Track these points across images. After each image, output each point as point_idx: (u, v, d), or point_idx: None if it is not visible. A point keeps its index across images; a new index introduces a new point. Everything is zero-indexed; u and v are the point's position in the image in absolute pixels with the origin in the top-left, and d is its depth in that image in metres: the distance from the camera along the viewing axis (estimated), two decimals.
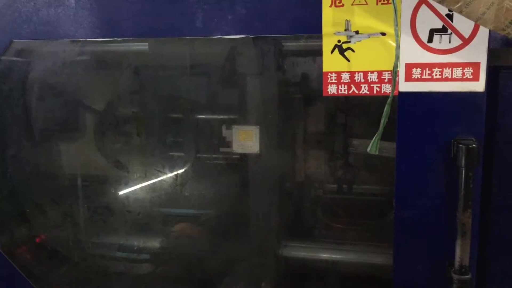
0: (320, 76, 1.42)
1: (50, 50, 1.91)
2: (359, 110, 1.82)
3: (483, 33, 1.27)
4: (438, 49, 1.31)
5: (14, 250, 1.96)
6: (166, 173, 1.97)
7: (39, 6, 1.62)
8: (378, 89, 1.38)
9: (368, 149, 1.31)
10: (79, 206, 2.06)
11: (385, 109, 1.27)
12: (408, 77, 1.34)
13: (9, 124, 1.96)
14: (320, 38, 1.39)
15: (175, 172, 1.97)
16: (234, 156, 1.89)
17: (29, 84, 1.96)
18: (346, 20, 1.36)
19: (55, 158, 2.08)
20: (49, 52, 1.92)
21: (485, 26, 1.12)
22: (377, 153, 1.30)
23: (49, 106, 2.02)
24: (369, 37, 1.36)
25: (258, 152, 1.80)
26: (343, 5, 1.36)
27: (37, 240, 2.10)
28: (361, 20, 1.35)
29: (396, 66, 1.28)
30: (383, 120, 1.28)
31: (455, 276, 1.34)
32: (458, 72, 1.31)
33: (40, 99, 1.99)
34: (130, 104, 2.02)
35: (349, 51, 1.38)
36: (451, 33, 1.29)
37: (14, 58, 1.87)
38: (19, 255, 1.98)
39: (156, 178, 1.98)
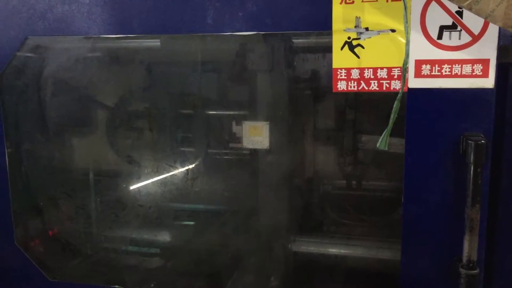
0: (330, 72, 1.43)
1: (64, 46, 1.93)
2: (368, 106, 1.83)
3: (493, 30, 1.28)
4: (448, 46, 1.32)
5: (28, 243, 2.00)
6: (177, 168, 1.99)
7: (54, 3, 1.64)
8: (388, 86, 1.39)
9: (378, 145, 1.33)
10: (92, 200, 2.09)
11: (394, 105, 1.28)
12: (418, 74, 1.35)
13: (23, 119, 1.99)
14: (330, 34, 1.40)
15: (186, 167, 2.00)
16: (244, 152, 1.90)
17: (43, 80, 2.00)
18: (356, 17, 1.37)
19: (68, 152, 2.12)
20: (63, 48, 1.95)
21: (494, 23, 1.13)
22: (386, 148, 1.32)
23: (62, 101, 2.05)
24: (378, 33, 1.37)
25: (268, 147, 1.82)
26: (353, 2, 1.37)
27: (50, 233, 2.13)
28: (371, 16, 1.36)
29: (406, 62, 1.29)
30: (392, 116, 1.29)
31: (463, 271, 1.35)
32: (467, 68, 1.32)
33: (54, 94, 2.03)
34: (142, 100, 2.05)
35: (359, 47, 1.39)
36: (461, 30, 1.30)
37: (29, 54, 1.90)
38: (33, 247, 2.02)
39: (167, 172, 2.00)
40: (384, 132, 1.31)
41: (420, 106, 1.37)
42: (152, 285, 1.96)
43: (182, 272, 2.07)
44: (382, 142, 1.32)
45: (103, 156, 2.12)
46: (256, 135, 1.81)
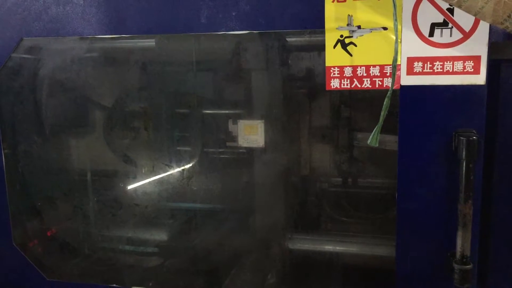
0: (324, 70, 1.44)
1: (59, 47, 1.94)
2: (364, 104, 1.83)
3: (484, 27, 1.29)
4: (439, 43, 1.33)
5: (26, 243, 2.01)
6: (172, 167, 2.00)
7: (48, 4, 1.65)
8: (380, 83, 1.40)
9: (368, 142, 1.33)
10: (89, 200, 2.10)
11: (384, 103, 1.29)
12: (410, 71, 1.36)
13: (20, 120, 2.00)
14: (323, 33, 1.41)
15: (182, 167, 2.00)
16: (240, 150, 1.91)
17: (39, 81, 2.00)
18: (348, 15, 1.38)
19: (65, 153, 2.12)
20: (58, 49, 1.95)
21: (483, 20, 1.14)
22: (377, 145, 1.32)
23: (58, 102, 2.06)
24: (371, 31, 1.38)
25: (263, 146, 1.82)
26: (345, 0, 1.38)
27: (49, 233, 2.14)
28: (363, 15, 1.37)
29: (395, 60, 1.30)
30: (382, 113, 1.30)
31: (456, 266, 1.36)
32: (459, 65, 1.33)
33: (50, 95, 2.03)
34: (137, 100, 2.05)
35: (352, 45, 1.40)
36: (452, 27, 1.31)
37: (24, 55, 1.91)
38: (31, 247, 2.03)
39: (163, 172, 2.01)
40: (374, 129, 1.32)
41: (412, 103, 1.38)
42: (150, 284, 1.97)
43: (178, 270, 2.07)
44: (373, 139, 1.33)
45: (100, 156, 2.13)
46: (251, 133, 1.82)
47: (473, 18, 1.27)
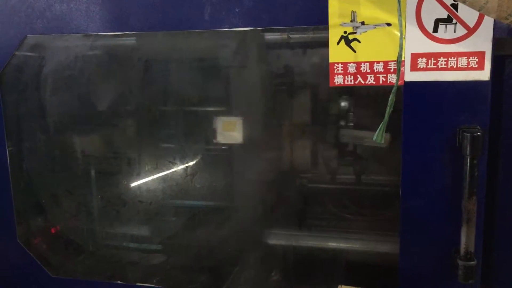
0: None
1: (63, 44, 1.94)
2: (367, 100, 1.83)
3: (488, 22, 1.28)
4: (443, 39, 1.33)
5: (31, 240, 2.02)
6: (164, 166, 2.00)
7: (52, 1, 1.66)
8: (384, 79, 1.40)
9: (374, 138, 1.33)
10: (93, 197, 2.11)
11: (389, 99, 1.29)
12: (414, 67, 1.36)
13: (24, 118, 2.00)
14: (327, 29, 1.41)
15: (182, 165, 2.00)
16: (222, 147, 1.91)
17: (43, 78, 2.01)
18: (352, 11, 1.38)
19: (69, 150, 2.13)
20: (62, 47, 1.96)
21: (488, 15, 1.13)
22: (382, 142, 1.32)
23: (61, 99, 2.06)
24: (374, 27, 1.37)
25: (242, 142, 1.82)
26: None
27: (53, 230, 2.15)
28: (367, 10, 1.37)
29: (400, 56, 1.29)
30: (388, 109, 1.30)
31: (460, 263, 1.36)
32: (463, 61, 1.33)
33: (54, 92, 2.04)
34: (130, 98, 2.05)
35: (355, 41, 1.40)
36: (456, 23, 1.31)
37: (28, 53, 1.91)
38: (35, 245, 2.04)
39: (160, 170, 2.01)
40: (380, 126, 1.32)
41: (416, 100, 1.37)
42: (154, 281, 1.98)
43: (179, 267, 2.08)
44: (378, 135, 1.32)
45: (103, 153, 2.13)
46: (230, 130, 1.82)
47: (477, 13, 1.27)
